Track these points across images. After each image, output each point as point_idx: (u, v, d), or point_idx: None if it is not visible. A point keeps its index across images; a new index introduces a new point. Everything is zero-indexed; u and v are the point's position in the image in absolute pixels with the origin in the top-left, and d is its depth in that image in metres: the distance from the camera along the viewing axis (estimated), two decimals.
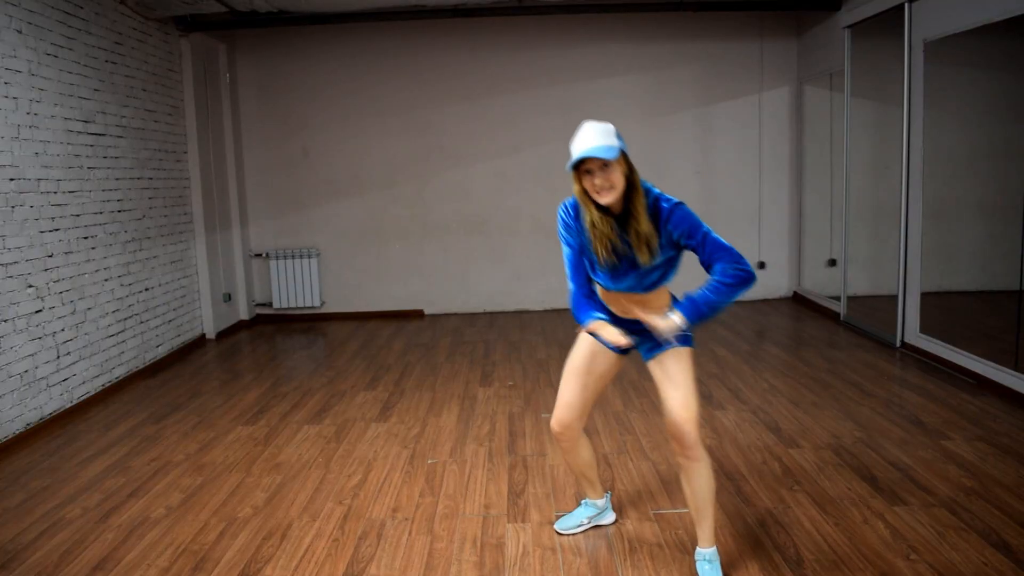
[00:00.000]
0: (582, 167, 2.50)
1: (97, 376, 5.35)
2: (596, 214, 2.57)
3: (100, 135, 5.49)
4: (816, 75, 7.44)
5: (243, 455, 4.19)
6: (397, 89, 7.84)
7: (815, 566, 2.83)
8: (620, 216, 2.58)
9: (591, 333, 2.74)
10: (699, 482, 2.73)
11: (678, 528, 3.18)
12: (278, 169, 7.97)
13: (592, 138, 2.46)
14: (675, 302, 2.71)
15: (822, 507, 3.31)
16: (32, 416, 4.64)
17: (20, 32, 4.64)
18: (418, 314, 8.14)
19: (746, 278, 2.55)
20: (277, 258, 7.92)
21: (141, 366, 5.94)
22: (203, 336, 7.12)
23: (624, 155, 2.52)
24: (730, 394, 4.96)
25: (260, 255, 8.05)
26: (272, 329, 7.74)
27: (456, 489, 3.67)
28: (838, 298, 7.02)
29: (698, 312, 2.56)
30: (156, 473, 3.97)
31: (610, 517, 3.25)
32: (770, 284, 8.20)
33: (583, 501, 3.24)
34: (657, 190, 2.62)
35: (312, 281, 7.96)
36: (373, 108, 7.84)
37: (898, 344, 5.91)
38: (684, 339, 2.76)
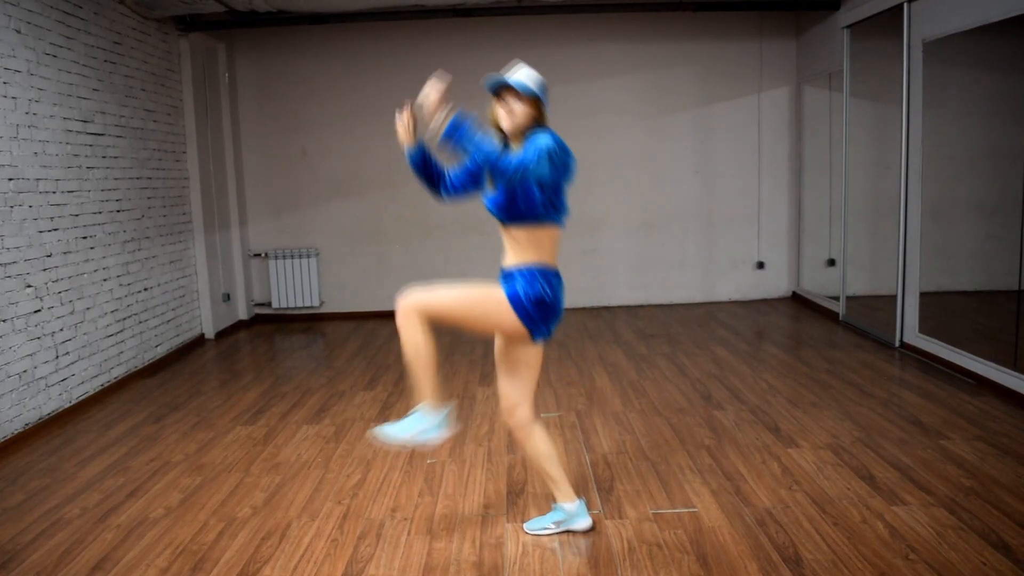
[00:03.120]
0: (500, 93, 2.79)
1: (96, 376, 5.34)
2: (493, 134, 2.81)
3: (99, 135, 5.49)
4: (815, 75, 7.44)
5: (242, 455, 4.19)
6: (396, 89, 7.83)
7: (814, 566, 2.83)
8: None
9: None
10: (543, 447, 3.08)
11: (677, 528, 3.18)
12: (277, 169, 7.97)
13: (518, 73, 2.78)
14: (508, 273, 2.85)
15: (821, 507, 3.31)
16: (31, 416, 4.64)
17: (19, 32, 4.64)
18: None
19: (510, 165, 2.63)
20: (276, 258, 7.92)
21: (140, 366, 5.94)
22: (202, 336, 7.12)
23: (538, 103, 2.77)
24: (729, 394, 4.97)
25: (259, 255, 8.05)
26: (271, 329, 7.74)
27: (455, 489, 3.67)
28: (837, 298, 7.02)
29: (456, 130, 2.63)
30: (155, 473, 3.97)
31: (584, 523, 3.16)
32: (769, 284, 8.21)
33: (553, 505, 3.21)
34: (555, 137, 2.71)
35: (311, 281, 7.96)
36: (372, 108, 7.83)
37: (897, 344, 5.91)
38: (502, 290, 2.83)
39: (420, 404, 2.92)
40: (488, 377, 5.55)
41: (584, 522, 3.17)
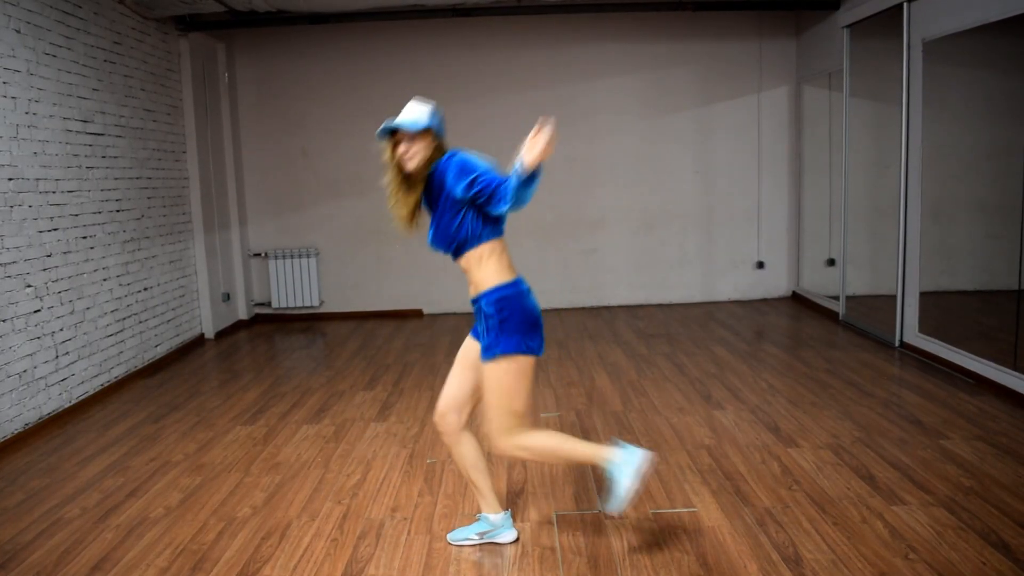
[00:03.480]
0: (395, 136, 2.78)
1: (96, 376, 5.34)
2: (392, 178, 2.85)
3: (99, 135, 5.49)
4: (815, 75, 7.44)
5: (242, 455, 4.19)
6: (396, 88, 7.83)
7: (814, 566, 2.83)
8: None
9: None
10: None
11: (677, 528, 3.18)
12: (277, 168, 7.97)
13: (405, 114, 2.74)
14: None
15: (821, 507, 3.31)
16: (31, 416, 4.64)
17: (19, 32, 4.64)
18: (417, 314, 8.14)
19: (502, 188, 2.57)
20: (276, 258, 7.92)
21: (140, 366, 5.94)
22: (202, 336, 7.12)
23: (432, 133, 2.75)
24: (729, 394, 4.97)
25: (259, 255, 8.05)
26: (271, 329, 7.74)
27: (455, 489, 3.67)
28: (837, 298, 7.02)
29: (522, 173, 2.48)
30: (155, 473, 3.97)
31: (509, 536, 3.12)
32: (769, 284, 8.21)
33: (478, 515, 3.17)
34: (463, 155, 2.71)
35: (311, 281, 7.96)
36: (372, 107, 7.82)
37: (897, 344, 5.91)
38: (499, 346, 2.72)
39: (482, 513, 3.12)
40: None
41: (509, 534, 3.12)
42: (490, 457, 4.01)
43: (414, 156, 2.74)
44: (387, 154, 2.82)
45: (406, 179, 2.83)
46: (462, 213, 2.71)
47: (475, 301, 2.82)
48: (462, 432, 3.02)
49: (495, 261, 2.77)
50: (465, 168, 2.65)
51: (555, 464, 2.93)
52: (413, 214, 2.87)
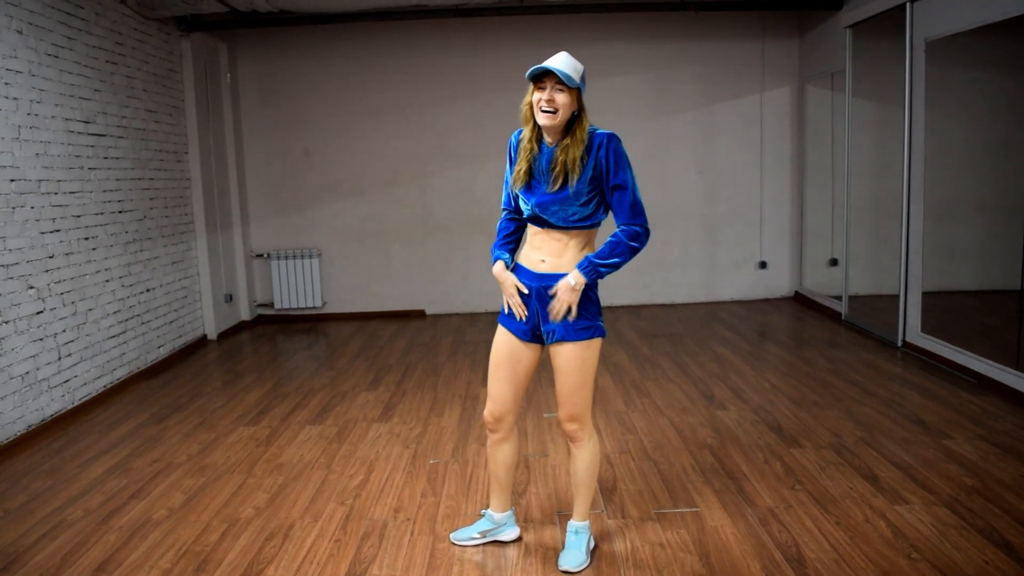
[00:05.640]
0: (540, 82, 2.61)
1: (98, 377, 5.35)
2: (529, 132, 2.71)
3: (101, 135, 5.49)
4: (817, 75, 7.43)
5: (245, 456, 4.20)
6: (398, 89, 7.84)
7: (817, 565, 2.83)
8: (554, 147, 2.68)
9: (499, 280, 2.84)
10: (579, 463, 2.92)
11: (680, 527, 3.18)
12: (279, 169, 7.97)
13: (561, 61, 2.59)
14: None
15: (824, 506, 3.31)
16: (33, 418, 4.64)
17: (21, 33, 4.64)
18: (419, 314, 8.14)
19: (642, 234, 2.68)
20: (278, 258, 7.92)
21: (142, 367, 5.94)
22: (204, 337, 7.12)
23: (579, 94, 2.64)
24: (732, 394, 4.96)
25: (261, 255, 8.05)
26: (273, 330, 7.74)
27: (458, 489, 3.67)
28: (839, 298, 7.02)
29: (595, 269, 2.66)
30: (158, 474, 3.98)
31: (512, 533, 3.14)
32: (771, 284, 8.20)
33: (483, 512, 3.18)
34: (602, 130, 2.70)
35: (313, 281, 7.96)
36: (374, 108, 7.84)
37: (899, 343, 5.90)
38: (583, 331, 2.75)
39: (488, 511, 3.15)
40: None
41: (512, 532, 3.14)
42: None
43: (554, 114, 2.59)
44: (528, 97, 2.66)
45: (540, 134, 2.71)
46: (598, 192, 2.69)
47: (547, 279, 2.74)
48: (513, 432, 3.02)
49: (590, 249, 2.79)
50: (625, 163, 2.67)
51: (591, 466, 2.93)
52: (529, 167, 2.72)
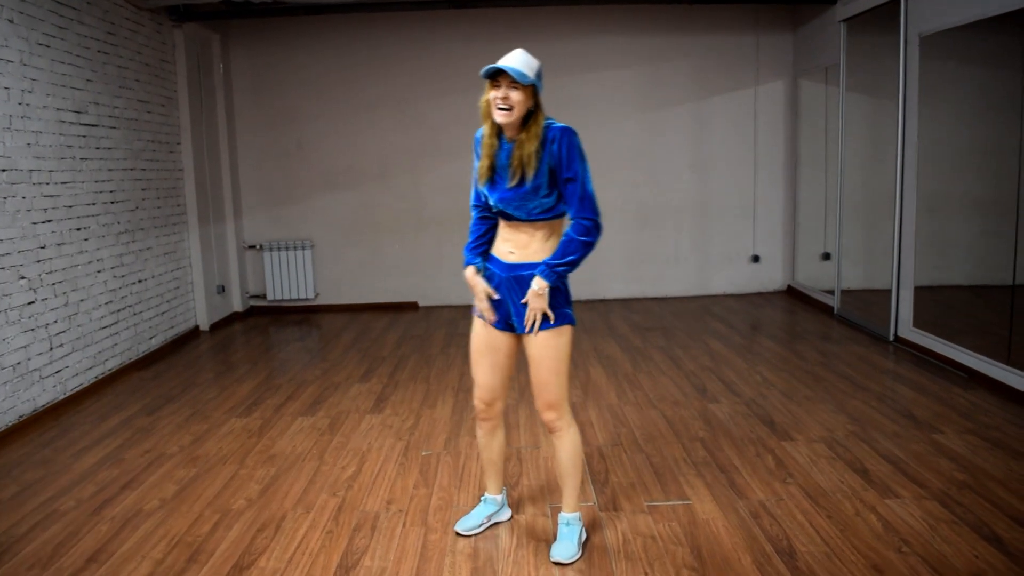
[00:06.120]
0: (495, 80, 2.66)
1: (90, 368, 5.33)
2: (488, 128, 2.76)
3: (93, 126, 5.46)
4: (812, 69, 7.44)
5: (237, 447, 4.19)
6: (392, 81, 7.82)
7: (807, 558, 2.85)
8: (512, 142, 2.72)
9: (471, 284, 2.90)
10: (562, 453, 2.94)
11: (672, 520, 3.19)
12: (272, 161, 7.95)
13: (515, 59, 2.64)
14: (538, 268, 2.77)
15: (815, 500, 3.32)
16: (25, 408, 4.63)
17: (11, 22, 4.61)
18: (412, 306, 8.13)
19: (592, 228, 2.70)
20: (271, 250, 7.90)
21: (134, 358, 5.92)
22: (197, 328, 7.11)
23: (534, 90, 2.66)
24: (724, 387, 4.98)
25: (254, 247, 8.03)
26: (266, 321, 7.73)
27: (450, 481, 3.67)
28: (832, 292, 7.04)
29: (555, 272, 2.70)
30: (150, 465, 3.97)
31: (507, 514, 3.27)
32: (764, 277, 8.22)
33: (483, 497, 3.24)
34: (558, 123, 2.72)
35: (306, 273, 7.95)
36: (368, 100, 7.81)
37: (891, 338, 5.93)
38: (556, 319, 2.80)
39: (487, 495, 3.23)
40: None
41: (507, 512, 3.27)
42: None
43: (510, 111, 2.63)
44: (485, 96, 2.71)
45: (498, 129, 2.76)
46: (556, 184, 2.73)
47: (516, 269, 2.80)
48: (502, 419, 3.12)
49: (556, 239, 2.81)
50: (578, 156, 2.68)
51: (573, 456, 2.94)
52: (491, 163, 2.77)
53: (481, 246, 2.94)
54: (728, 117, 7.97)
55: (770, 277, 8.23)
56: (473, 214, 2.97)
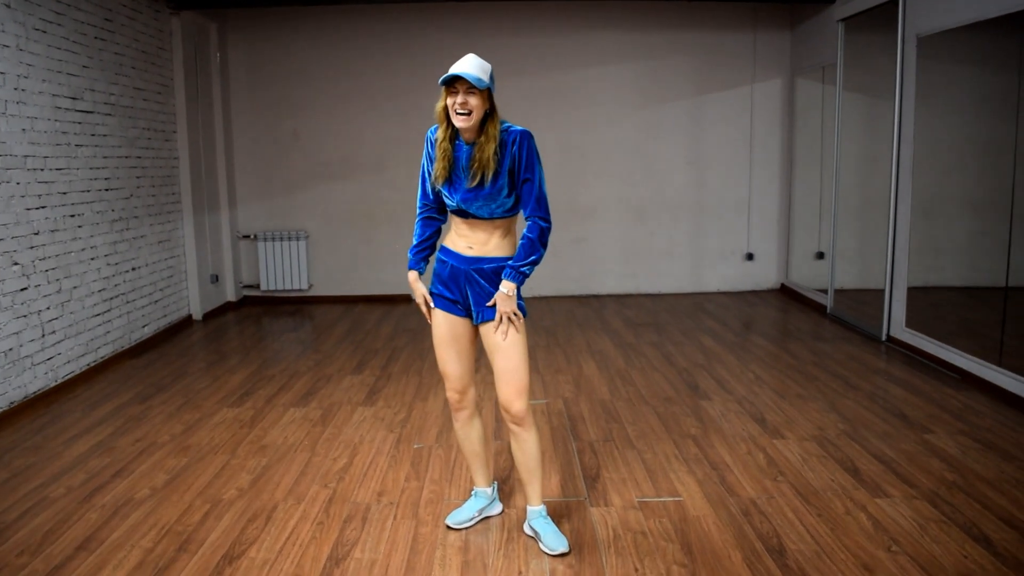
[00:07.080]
0: (451, 86, 2.70)
1: (82, 355, 5.32)
2: (443, 132, 2.81)
3: (88, 112, 5.43)
4: (809, 68, 7.44)
5: (228, 437, 4.19)
6: (389, 73, 7.80)
7: (797, 556, 2.86)
8: (471, 145, 2.78)
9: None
10: (528, 448, 2.97)
11: (662, 516, 3.20)
12: (268, 151, 7.92)
13: (469, 64, 2.68)
14: (504, 272, 2.86)
15: (805, 498, 3.33)
16: (16, 395, 4.61)
17: (8, 6, 4.58)
18: (406, 299, 8.12)
19: (547, 229, 2.83)
20: (265, 240, 7.88)
21: (127, 346, 5.91)
22: (190, 317, 7.09)
23: (489, 94, 2.71)
24: (716, 384, 4.99)
25: (248, 237, 8.01)
26: (259, 311, 7.71)
27: (442, 474, 3.68)
28: (825, 291, 7.05)
29: (520, 274, 2.82)
30: (141, 453, 3.96)
31: (498, 508, 3.27)
32: (758, 276, 8.23)
33: (474, 491, 3.25)
34: (516, 126, 2.81)
35: (300, 264, 7.93)
36: (365, 91, 7.79)
37: (884, 338, 5.94)
38: (521, 312, 2.91)
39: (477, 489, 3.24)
40: (475, 363, 5.54)
41: (498, 507, 3.28)
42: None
43: (468, 116, 2.68)
44: (441, 103, 2.75)
45: (455, 133, 2.81)
46: (513, 193, 2.83)
47: (476, 262, 2.87)
48: (476, 407, 3.15)
49: (513, 236, 2.94)
50: (535, 159, 2.79)
51: (531, 448, 2.96)
52: (449, 166, 2.82)
53: (425, 250, 3.06)
54: (725, 115, 7.97)
55: (764, 275, 8.24)
56: (419, 214, 3.05)
